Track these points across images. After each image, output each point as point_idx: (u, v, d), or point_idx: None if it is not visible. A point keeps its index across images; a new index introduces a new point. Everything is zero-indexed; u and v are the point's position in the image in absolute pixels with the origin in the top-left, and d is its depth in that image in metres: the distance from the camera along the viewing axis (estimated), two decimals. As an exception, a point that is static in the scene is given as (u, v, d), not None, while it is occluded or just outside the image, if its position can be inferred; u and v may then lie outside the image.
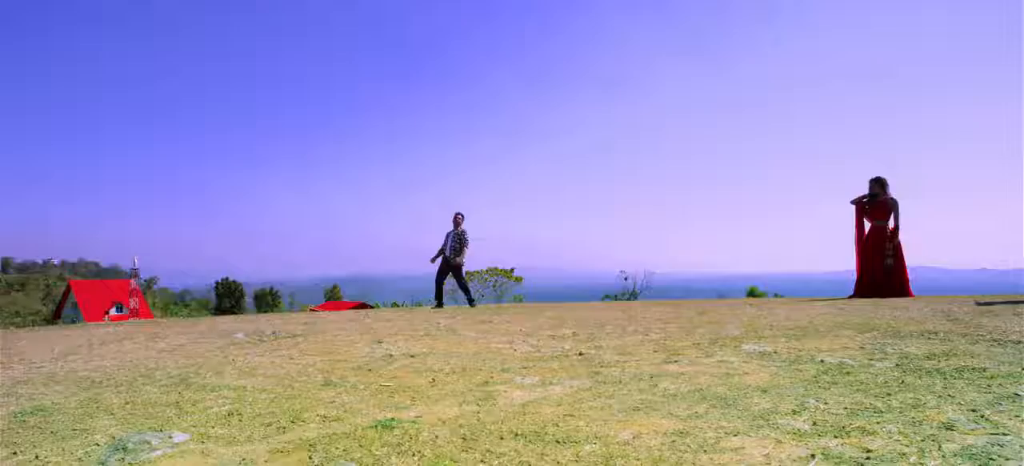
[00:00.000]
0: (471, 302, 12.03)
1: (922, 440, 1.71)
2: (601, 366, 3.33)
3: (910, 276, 9.02)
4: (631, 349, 4.11)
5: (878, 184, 9.08)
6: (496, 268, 32.67)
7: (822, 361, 3.35)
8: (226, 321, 8.18)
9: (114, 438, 2.04)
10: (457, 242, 12.15)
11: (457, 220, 12.17)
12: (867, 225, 9.23)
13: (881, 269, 8.92)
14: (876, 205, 9.11)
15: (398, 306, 23.27)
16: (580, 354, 3.88)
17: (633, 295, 20.37)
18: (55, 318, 70.15)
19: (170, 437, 2.02)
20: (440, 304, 12.07)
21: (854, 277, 9.25)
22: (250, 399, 2.60)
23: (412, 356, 3.90)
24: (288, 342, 4.88)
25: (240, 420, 2.25)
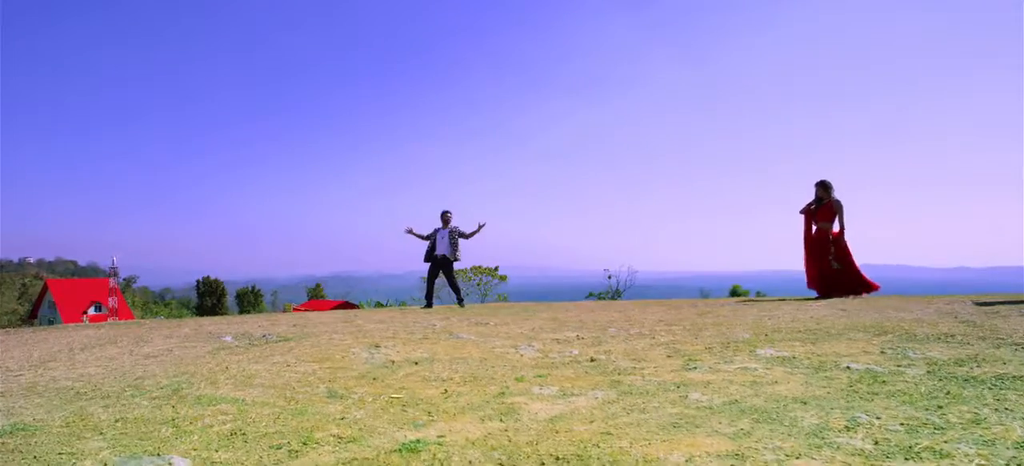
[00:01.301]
0: (461, 302, 11.82)
1: (1006, 463, 1.57)
2: (618, 374, 3.18)
3: (876, 276, 9.03)
4: (642, 354, 3.96)
5: (822, 188, 9.10)
6: (480, 267, 32.51)
7: (849, 367, 3.22)
8: (212, 322, 7.91)
9: (106, 465, 1.84)
10: (452, 240, 11.93)
11: (447, 218, 11.95)
12: (813, 228, 9.24)
13: (830, 271, 8.95)
14: (821, 208, 9.12)
15: (383, 306, 23.00)
16: (591, 360, 3.72)
17: (617, 294, 20.30)
18: (31, 318, 68.81)
19: (170, 463, 1.82)
20: (430, 304, 11.86)
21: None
22: (252, 415, 2.40)
23: (415, 363, 3.71)
24: (281, 347, 4.66)
25: (245, 441, 2.05)
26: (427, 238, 12.07)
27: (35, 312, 69.38)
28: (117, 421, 2.36)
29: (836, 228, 9.03)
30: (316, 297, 72.90)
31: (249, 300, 73.98)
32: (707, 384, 2.79)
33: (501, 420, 2.23)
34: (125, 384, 3.22)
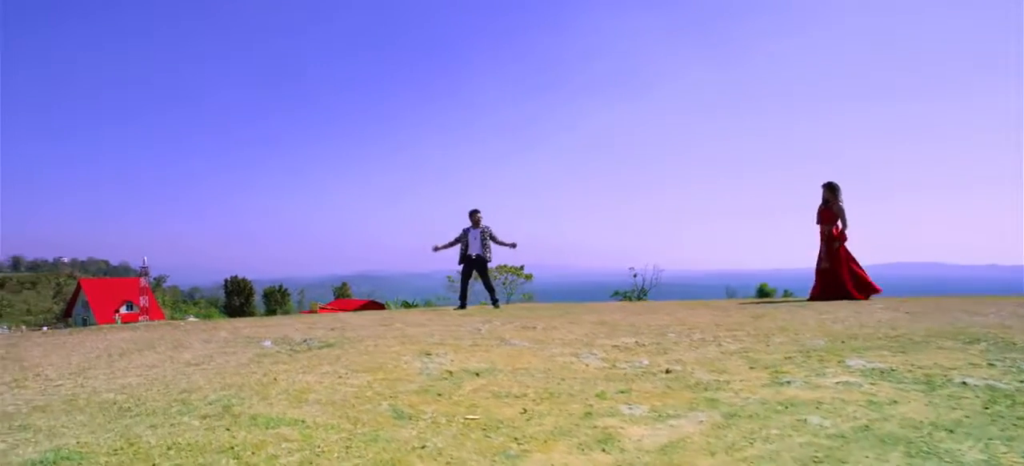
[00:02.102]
0: (495, 302, 11.56)
1: None
2: (706, 389, 2.87)
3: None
4: (719, 364, 3.64)
5: (828, 190, 8.99)
6: (506, 265, 32.26)
7: (965, 384, 2.88)
8: (248, 325, 7.75)
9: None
10: (484, 239, 11.69)
11: (477, 217, 11.71)
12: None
13: (817, 270, 8.93)
14: (824, 211, 9.03)
15: (411, 305, 22.80)
16: (667, 371, 3.41)
17: (643, 293, 19.91)
18: (66, 317, 70.33)
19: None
20: (465, 305, 11.63)
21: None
22: (319, 441, 2.14)
23: (476, 374, 3.44)
24: (326, 354, 4.42)
25: (319, 477, 1.79)
26: (457, 241, 11.86)
27: (69, 311, 70.90)
28: (169, 448, 2.12)
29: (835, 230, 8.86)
30: (342, 296, 73.31)
31: (276, 299, 74.70)
32: (818, 404, 2.47)
33: (604, 450, 1.94)
34: (170, 398, 2.99)
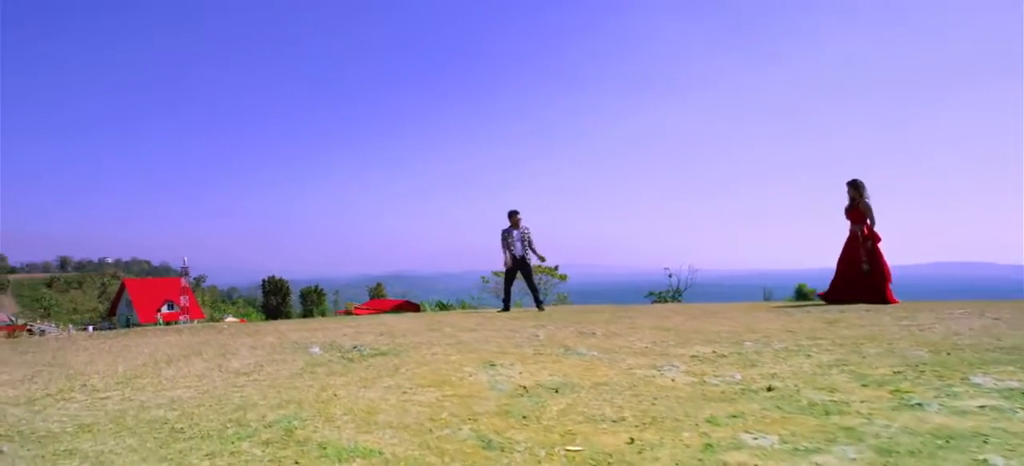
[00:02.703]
0: (540, 304, 11.23)
1: None
2: (828, 413, 2.48)
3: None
4: (822, 380, 3.23)
5: (853, 188, 8.72)
6: (539, 265, 31.85)
7: None
8: (292, 328, 7.55)
9: None
10: (525, 240, 11.40)
11: (516, 219, 11.42)
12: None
13: (857, 274, 8.59)
14: (852, 211, 8.73)
15: (446, 306, 22.53)
16: (769, 389, 3.02)
17: (678, 293, 19.40)
18: (110, 315, 72.25)
19: None
20: (508, 308, 11.33)
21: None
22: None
23: (555, 390, 3.10)
24: (383, 364, 4.13)
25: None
26: (506, 247, 11.59)
27: (113, 310, 72.86)
28: (231, 484, 1.84)
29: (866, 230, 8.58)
30: (377, 296, 73.82)
31: (312, 299, 75.61)
32: (982, 437, 2.07)
33: (753, 500, 1.58)
34: (225, 417, 2.72)
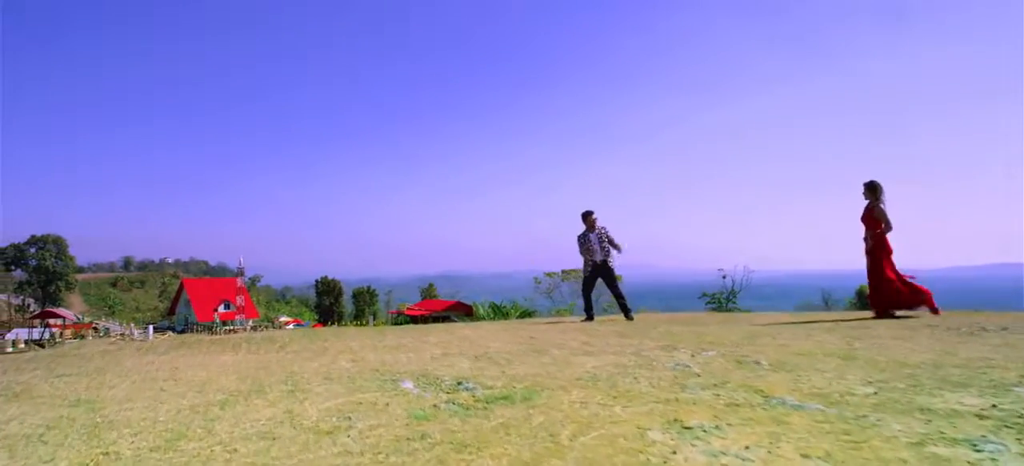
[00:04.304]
0: (628, 312, 9.93)
1: None
2: None
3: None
4: None
5: (869, 190, 7.95)
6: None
7: None
8: (364, 344, 6.45)
9: None
10: (604, 241, 10.10)
11: (592, 220, 10.12)
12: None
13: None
14: (864, 215, 8.03)
15: (501, 309, 21.23)
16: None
17: (732, 294, 17.90)
18: (169, 314, 74.01)
19: None
20: (591, 317, 10.07)
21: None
22: None
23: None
24: (513, 418, 2.92)
25: None
26: (584, 253, 10.34)
27: (173, 309, 74.62)
28: None
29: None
30: (429, 297, 73.43)
31: (364, 299, 75.86)
32: None
33: None
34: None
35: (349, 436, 2.70)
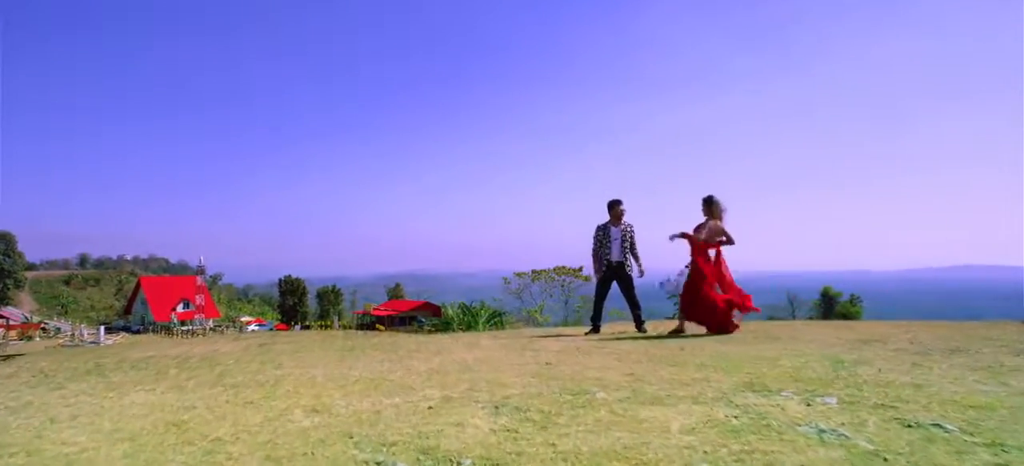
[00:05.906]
0: (641, 322, 8.49)
1: None
2: None
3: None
4: None
5: (705, 205, 7.68)
6: (564, 267, 28.85)
7: None
8: (333, 380, 4.86)
9: None
10: (627, 243, 8.58)
11: (619, 211, 8.59)
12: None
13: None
14: (698, 229, 7.71)
15: (471, 309, 19.62)
16: None
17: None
18: (126, 313, 70.63)
19: None
20: (598, 328, 8.59)
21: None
22: None
23: None
24: None
25: None
26: (601, 247, 8.77)
27: (129, 308, 71.28)
28: None
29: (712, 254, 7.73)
30: (396, 297, 71.31)
31: (329, 299, 73.43)
32: None
33: None
34: None
35: None
